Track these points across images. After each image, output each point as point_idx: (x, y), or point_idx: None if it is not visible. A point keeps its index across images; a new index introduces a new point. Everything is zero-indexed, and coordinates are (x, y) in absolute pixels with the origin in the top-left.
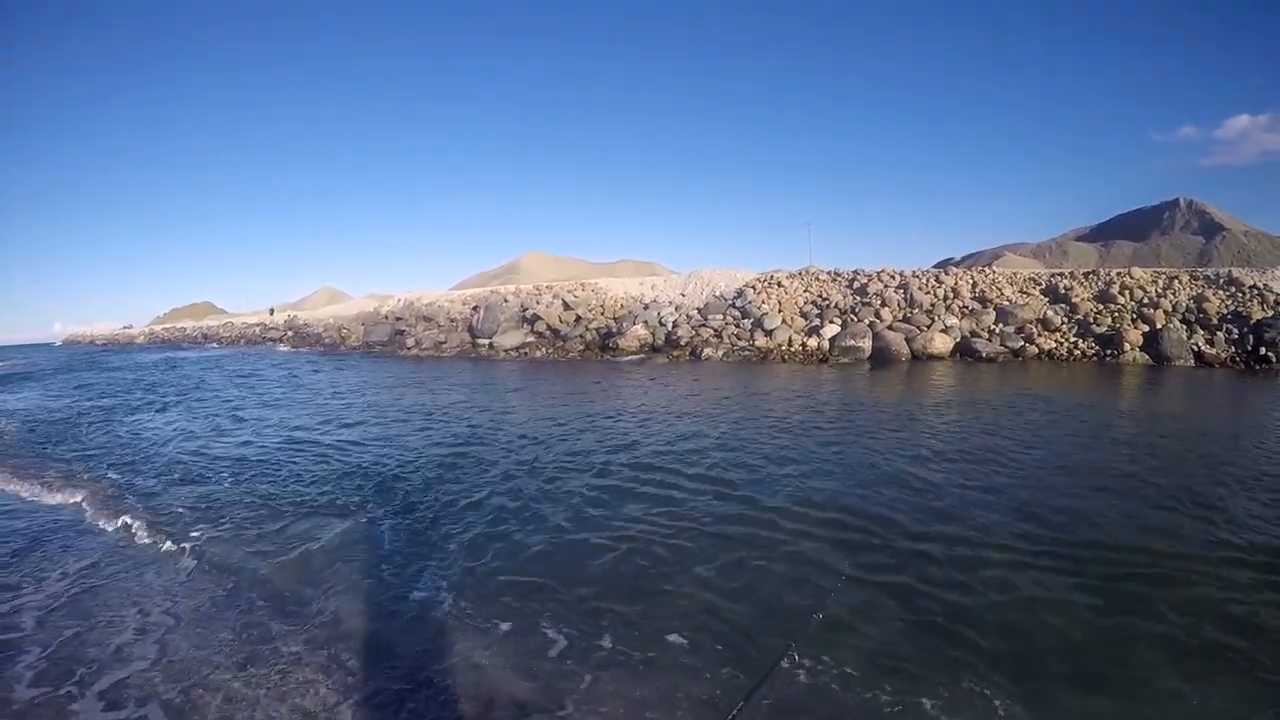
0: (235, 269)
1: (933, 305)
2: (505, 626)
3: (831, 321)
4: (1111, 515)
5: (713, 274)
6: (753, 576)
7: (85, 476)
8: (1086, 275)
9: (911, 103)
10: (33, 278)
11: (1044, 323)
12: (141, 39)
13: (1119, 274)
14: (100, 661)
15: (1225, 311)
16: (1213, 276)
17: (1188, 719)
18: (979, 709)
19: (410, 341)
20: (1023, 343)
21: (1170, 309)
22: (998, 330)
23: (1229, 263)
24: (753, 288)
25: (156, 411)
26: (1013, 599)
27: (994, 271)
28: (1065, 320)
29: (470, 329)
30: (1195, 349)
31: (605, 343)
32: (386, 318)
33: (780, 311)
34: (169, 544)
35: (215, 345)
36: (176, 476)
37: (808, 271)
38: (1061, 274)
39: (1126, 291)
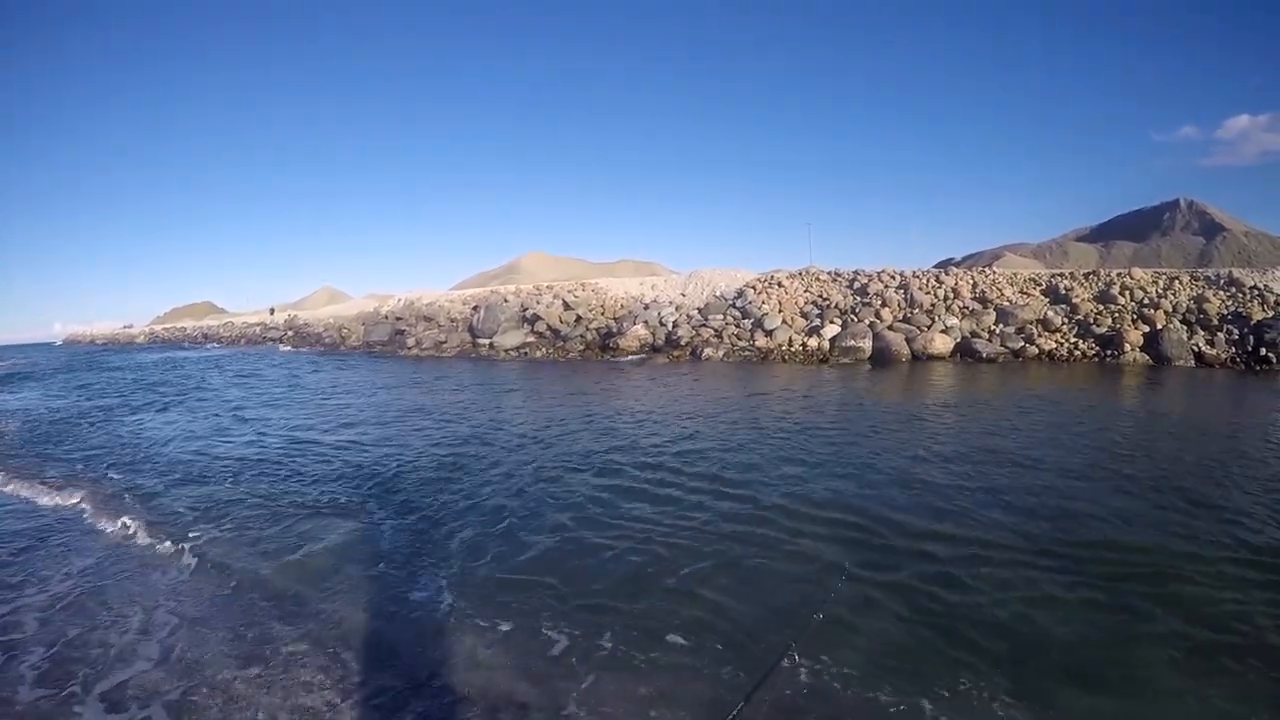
0: (235, 269)
1: (933, 305)
2: (506, 626)
3: (832, 322)
4: (1112, 515)
5: (713, 274)
6: (753, 576)
7: (87, 476)
8: (1087, 276)
9: (911, 103)
10: (33, 278)
11: (1044, 323)
12: (141, 39)
13: (1119, 274)
14: (103, 662)
15: (1226, 312)
16: (1213, 277)
17: (1188, 719)
18: (979, 709)
19: (410, 341)
20: (1023, 343)
21: (1171, 309)
22: (998, 331)
23: (1229, 263)
24: (753, 288)
25: (157, 411)
26: (1013, 599)
27: (994, 272)
28: (1065, 321)
29: (470, 329)
30: (1195, 349)
31: (605, 343)
32: (387, 318)
33: (780, 312)
34: (170, 544)
35: (216, 345)
36: (178, 476)
37: (808, 272)
38: (1062, 274)
39: (1127, 292)
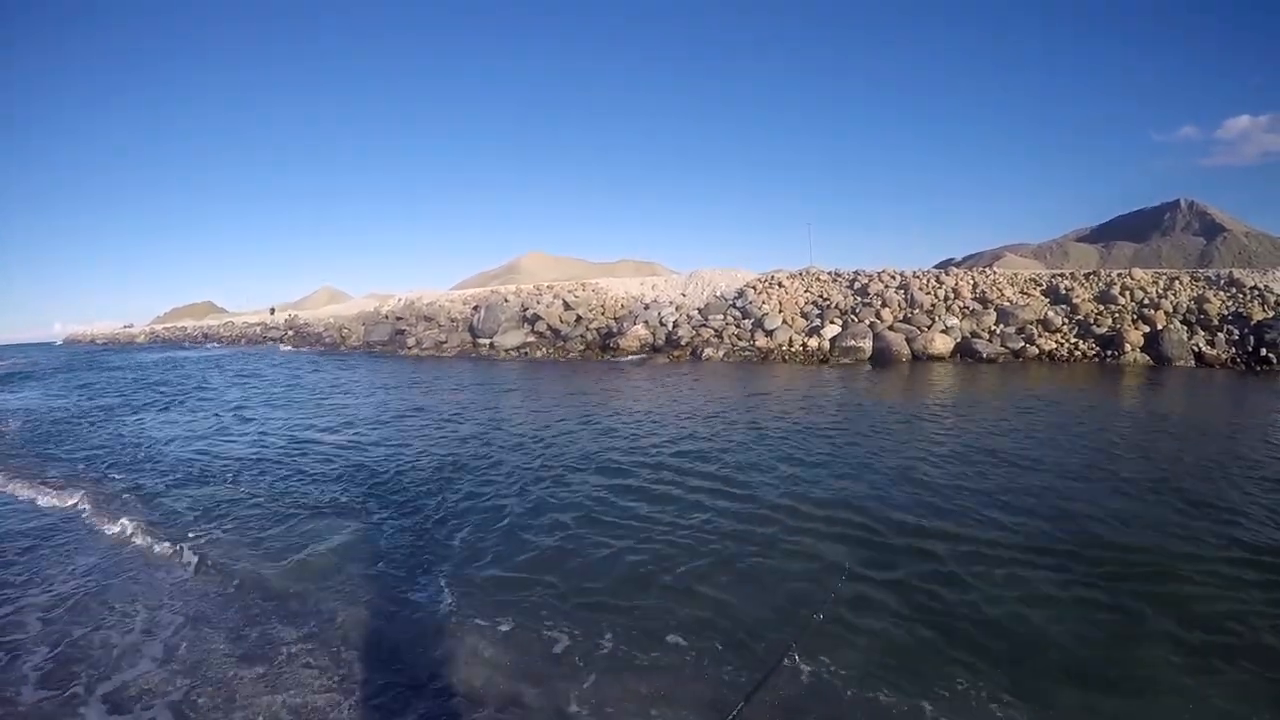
0: (236, 269)
1: (933, 306)
2: (507, 625)
3: (832, 322)
4: (1112, 515)
5: (713, 274)
6: (754, 575)
7: (88, 476)
8: (1087, 276)
9: (911, 103)
10: (33, 277)
11: (1045, 323)
12: (141, 39)
13: (1120, 275)
14: (106, 662)
15: (1226, 312)
16: (1213, 277)
17: (1187, 718)
18: (979, 709)
19: (411, 341)
20: (1023, 343)
21: (1171, 310)
22: (998, 331)
23: (1230, 264)
24: (753, 288)
25: (158, 411)
26: (1013, 599)
27: (995, 272)
28: (1066, 321)
29: (471, 329)
30: (1196, 350)
31: (606, 343)
32: (387, 317)
33: (781, 312)
34: (172, 544)
35: (216, 345)
36: (179, 476)
37: (808, 272)
38: (1062, 275)
39: (1127, 292)
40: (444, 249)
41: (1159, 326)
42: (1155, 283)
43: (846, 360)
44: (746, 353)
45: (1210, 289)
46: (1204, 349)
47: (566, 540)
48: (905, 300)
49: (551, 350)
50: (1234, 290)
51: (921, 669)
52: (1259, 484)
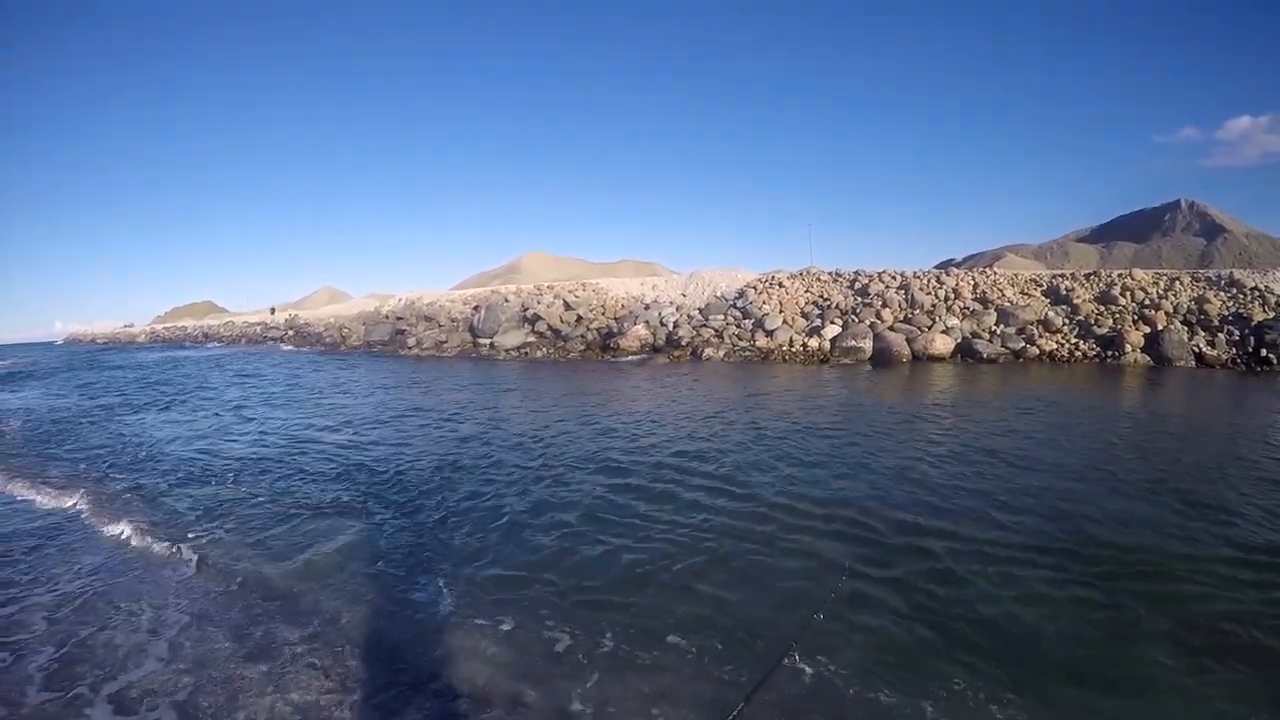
0: (236, 268)
1: (934, 306)
2: (508, 624)
3: (832, 322)
4: (1111, 516)
5: (714, 274)
6: (754, 575)
7: (90, 476)
8: (1088, 276)
9: (911, 103)
10: (33, 277)
11: (1045, 324)
12: (141, 39)
13: (1120, 275)
14: (111, 661)
15: (1226, 313)
16: (1214, 278)
17: (1187, 718)
18: (979, 709)
19: (411, 341)
20: (1024, 344)
21: (1171, 310)
22: (999, 331)
23: (1230, 264)
24: (754, 288)
25: (159, 411)
26: (1013, 598)
27: (995, 272)
28: (1066, 321)
29: (471, 329)
30: (1196, 350)
31: (606, 343)
32: (387, 317)
33: (781, 312)
34: (174, 544)
35: (216, 344)
36: (180, 476)
37: (809, 272)
38: (1063, 275)
39: (1128, 293)
40: (444, 249)
41: (1159, 327)
42: (1156, 283)
43: (847, 360)
44: (747, 353)
45: (1211, 289)
46: (1204, 349)
47: (567, 539)
48: (906, 300)
49: (552, 350)
50: (1234, 291)
51: (921, 668)
52: (1258, 485)
